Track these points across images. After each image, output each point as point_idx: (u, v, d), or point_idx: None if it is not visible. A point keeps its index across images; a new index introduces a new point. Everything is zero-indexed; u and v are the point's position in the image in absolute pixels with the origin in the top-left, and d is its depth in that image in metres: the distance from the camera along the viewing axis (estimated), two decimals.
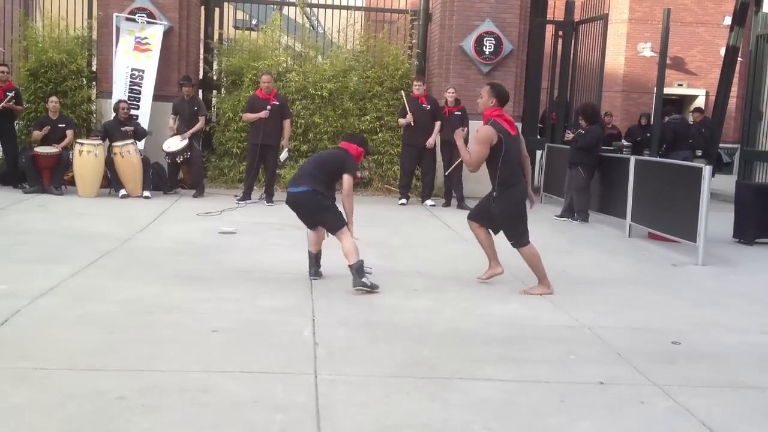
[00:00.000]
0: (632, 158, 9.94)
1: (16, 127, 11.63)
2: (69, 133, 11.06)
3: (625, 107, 24.09)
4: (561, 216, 10.80)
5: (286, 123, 11.02)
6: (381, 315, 5.45)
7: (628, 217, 9.65)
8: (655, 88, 14.95)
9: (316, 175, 6.22)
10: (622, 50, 24.69)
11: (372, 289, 5.99)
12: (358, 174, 7.05)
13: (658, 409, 3.99)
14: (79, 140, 10.94)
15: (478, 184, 12.31)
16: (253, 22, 14.77)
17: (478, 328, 5.28)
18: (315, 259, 6.45)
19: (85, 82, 12.69)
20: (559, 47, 14.26)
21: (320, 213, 6.19)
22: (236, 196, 11.01)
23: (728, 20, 19.17)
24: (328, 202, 6.19)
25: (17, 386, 3.79)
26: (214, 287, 5.94)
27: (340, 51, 13.55)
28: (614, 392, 4.19)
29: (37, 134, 10.86)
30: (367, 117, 12.86)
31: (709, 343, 5.26)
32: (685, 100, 25.13)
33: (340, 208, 6.23)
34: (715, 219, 8.77)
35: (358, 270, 5.98)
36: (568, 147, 10.94)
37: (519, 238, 6.34)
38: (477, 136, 6.22)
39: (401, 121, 11.57)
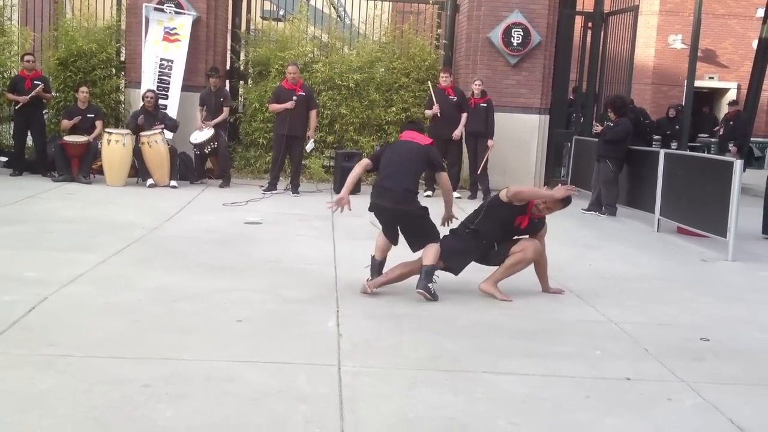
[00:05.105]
0: (662, 151, 9.82)
1: (45, 116, 11.75)
2: (98, 123, 11.15)
3: (654, 100, 23.81)
4: (588, 209, 10.72)
5: (312, 114, 11.01)
6: (406, 307, 5.44)
7: (657, 211, 9.55)
8: (685, 81, 14.74)
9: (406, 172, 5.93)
10: (652, 42, 24.40)
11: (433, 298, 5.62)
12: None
13: (686, 406, 3.94)
14: (107, 129, 11.02)
15: (505, 176, 12.33)
16: (281, 12, 14.77)
17: (503, 321, 5.25)
18: (379, 267, 5.91)
19: (114, 71, 12.77)
20: (588, 39, 14.11)
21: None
22: (262, 186, 11.03)
23: (761, 12, 18.90)
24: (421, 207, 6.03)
25: (44, 373, 3.82)
26: (239, 277, 5.96)
27: (366, 42, 13.52)
28: (641, 388, 4.14)
29: (66, 124, 10.96)
30: (393, 108, 12.79)
31: (739, 340, 5.18)
32: (716, 93, 24.84)
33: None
34: (746, 214, 8.63)
35: (427, 272, 5.66)
36: (597, 140, 10.85)
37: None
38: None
39: (428, 112, 11.53)
